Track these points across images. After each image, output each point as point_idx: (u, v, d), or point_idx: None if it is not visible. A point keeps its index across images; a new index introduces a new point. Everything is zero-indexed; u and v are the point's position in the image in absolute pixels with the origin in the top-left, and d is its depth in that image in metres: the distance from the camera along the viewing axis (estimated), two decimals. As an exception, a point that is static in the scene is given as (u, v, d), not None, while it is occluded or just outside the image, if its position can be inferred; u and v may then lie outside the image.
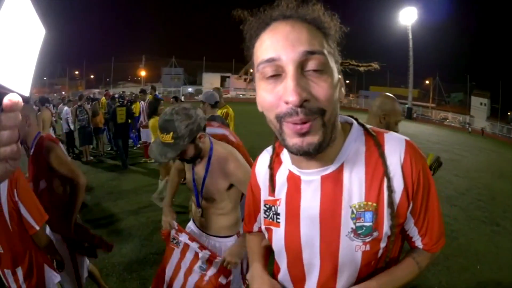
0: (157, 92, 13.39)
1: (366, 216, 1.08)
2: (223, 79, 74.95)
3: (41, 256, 2.68)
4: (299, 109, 0.92)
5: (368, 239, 1.09)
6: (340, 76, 1.07)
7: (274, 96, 0.96)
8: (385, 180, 1.08)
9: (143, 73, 69.52)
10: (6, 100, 0.61)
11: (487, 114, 50.00)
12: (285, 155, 1.28)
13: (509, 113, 58.13)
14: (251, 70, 1.13)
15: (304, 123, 0.93)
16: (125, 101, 13.82)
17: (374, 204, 1.08)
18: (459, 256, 5.63)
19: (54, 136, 3.33)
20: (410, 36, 46.84)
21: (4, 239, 2.43)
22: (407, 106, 46.69)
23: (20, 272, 2.54)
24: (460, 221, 7.32)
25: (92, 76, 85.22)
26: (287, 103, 0.93)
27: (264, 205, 1.35)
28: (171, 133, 2.23)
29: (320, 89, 0.94)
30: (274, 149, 1.37)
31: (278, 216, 1.27)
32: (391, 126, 2.94)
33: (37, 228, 2.49)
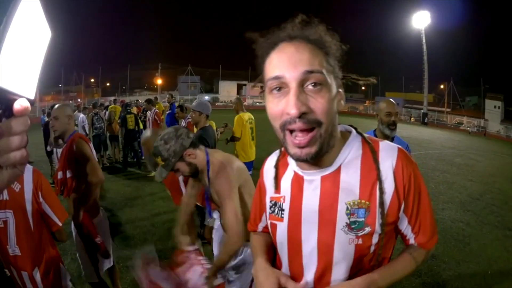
0: (174, 101, 13.40)
1: (359, 212, 1.21)
2: (239, 87, 74.92)
3: (56, 254, 2.86)
4: (297, 119, 1.09)
5: (360, 233, 1.21)
6: (340, 90, 1.24)
7: (279, 108, 1.14)
8: (378, 182, 1.22)
9: (159, 81, 69.80)
10: (17, 105, 0.62)
11: (501, 117, 49.28)
12: (291, 158, 1.41)
13: (522, 115, 57.24)
14: (261, 84, 1.29)
15: (302, 131, 1.11)
16: (137, 110, 13.91)
17: (367, 203, 1.21)
18: (471, 262, 5.63)
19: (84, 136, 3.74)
20: (424, 40, 46.63)
21: (24, 240, 2.57)
22: (422, 111, 46.38)
23: (37, 273, 2.67)
24: (473, 226, 7.31)
25: (108, 84, 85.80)
26: (288, 114, 1.09)
27: (270, 201, 1.48)
28: (159, 157, 2.51)
29: (317, 103, 1.10)
30: (281, 152, 1.54)
31: (282, 212, 1.39)
32: (384, 120, 3.68)
33: (60, 224, 2.75)
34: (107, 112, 12.98)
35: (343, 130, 1.36)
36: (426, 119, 46.28)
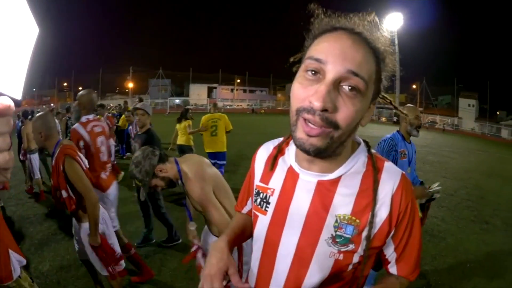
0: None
1: (348, 228, 1.13)
2: (210, 90, 76.08)
3: (5, 240, 2.77)
4: (317, 112, 0.98)
5: (343, 249, 1.13)
6: (371, 107, 1.15)
7: (305, 93, 1.02)
8: (373, 204, 1.13)
9: (130, 84, 69.66)
10: None
11: (476, 115, 50.59)
12: (290, 150, 1.34)
13: (498, 113, 58.78)
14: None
15: (316, 124, 1.00)
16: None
17: (358, 221, 1.13)
18: (447, 256, 5.63)
19: (71, 145, 3.57)
20: (396, 42, 47.31)
21: None
22: (394, 111, 47.22)
23: None
24: (448, 222, 7.35)
25: (80, 88, 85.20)
26: (310, 103, 0.99)
27: (255, 189, 1.40)
28: (136, 179, 2.76)
29: (345, 108, 1.00)
30: (284, 141, 1.43)
31: (267, 205, 1.31)
32: (413, 123, 4.08)
33: None
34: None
35: (353, 141, 1.27)
36: (397, 118, 47.10)
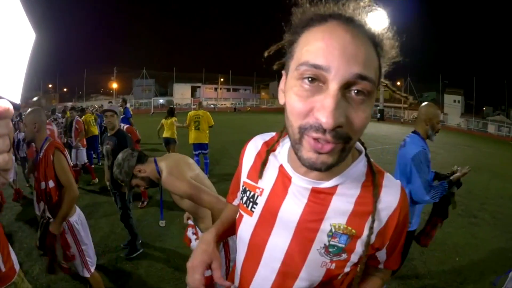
0: (128, 105, 13.28)
1: (342, 238, 1.08)
2: (193, 89, 76.00)
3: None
4: (328, 131, 0.84)
5: (335, 259, 1.10)
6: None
7: (306, 106, 0.87)
8: (370, 217, 1.08)
9: (114, 85, 69.24)
10: None
11: (461, 111, 51.09)
12: (282, 149, 1.25)
13: (484, 108, 59.34)
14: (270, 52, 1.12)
15: (326, 142, 0.86)
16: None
17: (353, 231, 1.08)
18: (436, 250, 5.68)
19: (59, 142, 3.75)
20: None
21: None
22: (378, 107, 47.43)
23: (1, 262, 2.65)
24: (436, 216, 7.31)
25: (65, 90, 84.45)
26: (317, 120, 0.84)
27: (242, 186, 1.34)
28: (119, 180, 2.92)
29: (357, 117, 0.87)
30: (278, 138, 1.30)
31: (254, 205, 1.23)
32: (435, 128, 3.84)
33: None
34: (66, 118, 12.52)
35: (354, 148, 1.16)
36: (381, 115, 47.43)
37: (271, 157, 1.27)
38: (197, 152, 10.13)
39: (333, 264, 1.09)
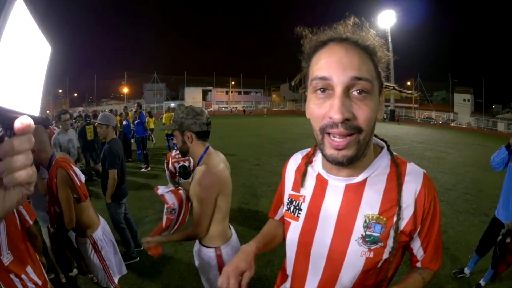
0: (143, 110, 13.47)
1: (376, 227, 1.22)
2: (205, 93, 75.39)
3: (31, 249, 2.86)
4: (340, 124, 1.07)
5: (373, 247, 1.21)
6: (381, 99, 1.23)
7: (322, 111, 1.11)
8: (398, 203, 1.22)
9: (125, 90, 69.24)
10: (17, 123, 0.61)
11: (471, 110, 50.64)
12: (317, 159, 1.44)
13: (493, 106, 58.79)
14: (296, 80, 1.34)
15: (342, 136, 1.09)
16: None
17: (385, 219, 1.22)
18: (449, 248, 5.75)
19: (65, 158, 3.52)
20: (390, 39, 47.31)
21: (14, 241, 2.59)
22: (390, 108, 47.15)
23: (30, 269, 2.69)
24: (448, 215, 7.42)
25: (75, 94, 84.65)
26: (331, 118, 1.08)
27: (288, 198, 1.50)
28: (177, 120, 2.74)
29: (361, 111, 1.09)
30: (313, 152, 1.52)
31: (299, 211, 1.41)
32: None
33: (31, 222, 2.84)
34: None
35: (374, 143, 1.36)
36: (392, 116, 47.11)
37: (309, 168, 1.46)
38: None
39: (371, 253, 1.21)
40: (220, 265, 2.75)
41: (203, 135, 2.76)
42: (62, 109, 13.34)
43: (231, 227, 3.01)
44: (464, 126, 41.13)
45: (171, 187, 2.90)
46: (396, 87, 1.40)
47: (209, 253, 2.77)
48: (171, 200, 2.72)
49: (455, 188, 9.85)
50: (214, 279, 2.78)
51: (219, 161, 2.82)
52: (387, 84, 1.33)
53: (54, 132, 7.93)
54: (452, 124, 42.92)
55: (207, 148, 2.80)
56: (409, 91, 1.48)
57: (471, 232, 6.51)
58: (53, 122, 12.87)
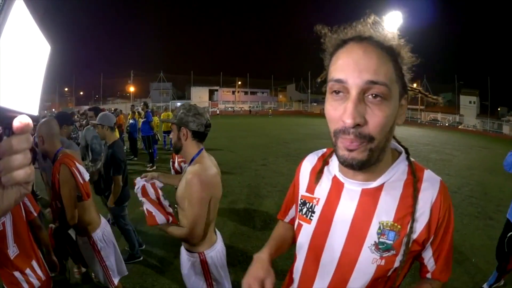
0: (149, 109, 13.53)
1: (390, 234, 1.18)
2: (211, 93, 75.19)
3: (35, 243, 2.88)
4: (351, 130, 1.04)
5: (385, 255, 1.18)
6: (403, 103, 1.19)
7: (336, 114, 1.09)
8: (412, 211, 1.19)
9: (131, 88, 69.34)
10: (16, 122, 0.61)
11: (477, 112, 50.57)
12: (334, 161, 1.41)
13: (499, 109, 58.65)
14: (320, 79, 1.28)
15: (352, 142, 1.06)
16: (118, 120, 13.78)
17: (399, 227, 1.18)
18: (453, 252, 5.59)
19: (71, 154, 3.44)
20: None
21: (19, 234, 2.62)
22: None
23: (35, 264, 2.72)
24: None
25: (81, 93, 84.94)
26: (343, 122, 1.05)
27: (301, 199, 1.47)
28: (178, 115, 2.68)
29: (374, 116, 1.05)
30: (330, 153, 1.49)
31: (312, 214, 1.37)
32: None
33: (35, 214, 2.87)
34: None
35: (393, 148, 1.33)
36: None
37: (325, 170, 1.43)
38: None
39: (383, 261, 1.18)
40: (205, 270, 2.69)
41: (199, 136, 2.71)
42: (92, 106, 13.37)
43: (217, 231, 2.93)
44: (470, 129, 40.99)
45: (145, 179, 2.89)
46: (421, 91, 1.37)
47: (193, 258, 2.71)
48: (140, 196, 2.73)
49: (460, 191, 9.83)
50: (198, 286, 2.73)
51: (211, 165, 2.76)
52: (411, 87, 1.29)
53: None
54: (460, 126, 42.80)
55: (200, 150, 2.74)
56: (435, 97, 1.43)
57: (475, 235, 6.49)
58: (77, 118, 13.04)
